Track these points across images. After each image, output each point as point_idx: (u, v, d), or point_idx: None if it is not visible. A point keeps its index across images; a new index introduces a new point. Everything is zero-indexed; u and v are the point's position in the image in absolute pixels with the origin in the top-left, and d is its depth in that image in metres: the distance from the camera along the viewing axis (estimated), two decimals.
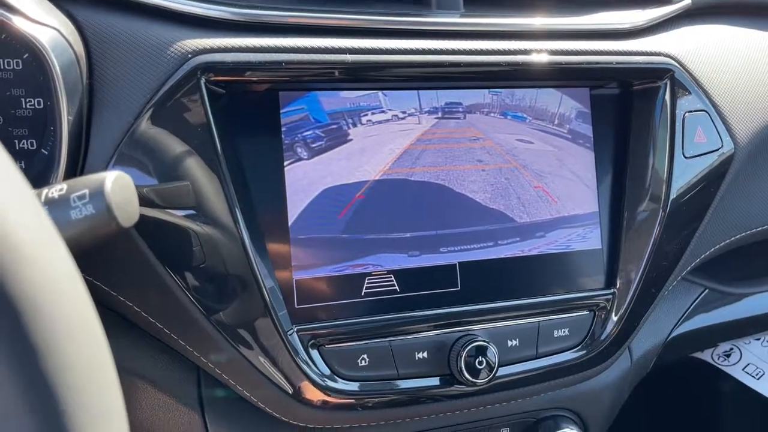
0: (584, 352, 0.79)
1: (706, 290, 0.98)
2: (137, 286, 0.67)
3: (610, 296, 0.80)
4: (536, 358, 0.77)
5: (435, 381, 0.73)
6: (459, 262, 0.75)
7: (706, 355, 1.10)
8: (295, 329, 0.68)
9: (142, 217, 0.62)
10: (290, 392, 0.68)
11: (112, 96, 0.62)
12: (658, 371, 0.99)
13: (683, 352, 1.02)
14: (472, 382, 0.71)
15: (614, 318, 0.79)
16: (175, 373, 0.74)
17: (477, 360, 0.71)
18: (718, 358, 1.09)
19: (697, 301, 0.97)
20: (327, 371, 0.69)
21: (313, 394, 0.68)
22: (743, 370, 1.07)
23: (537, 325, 0.77)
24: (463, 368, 0.71)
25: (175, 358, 0.74)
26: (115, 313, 0.71)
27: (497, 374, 0.73)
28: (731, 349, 1.10)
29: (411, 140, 0.74)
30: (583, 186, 0.80)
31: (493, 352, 0.72)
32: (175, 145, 0.63)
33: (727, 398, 1.14)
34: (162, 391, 0.74)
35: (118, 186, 0.50)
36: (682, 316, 0.96)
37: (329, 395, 0.68)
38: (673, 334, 0.95)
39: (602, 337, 0.79)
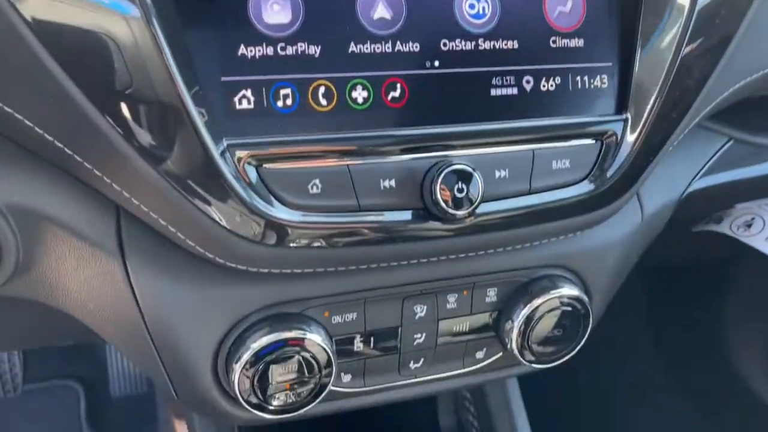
0: (590, 188, 0.64)
1: (731, 140, 0.84)
2: (31, 97, 0.53)
3: (621, 122, 0.65)
4: (530, 193, 0.63)
5: (405, 215, 0.59)
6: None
7: (723, 227, 0.97)
8: (226, 144, 0.53)
9: (37, 18, 0.48)
10: (220, 221, 0.54)
11: None
12: (669, 243, 0.85)
13: (700, 211, 0.88)
14: (451, 214, 0.58)
15: (626, 148, 0.65)
16: (87, 212, 0.60)
17: (456, 188, 0.57)
18: (738, 229, 0.96)
19: (719, 153, 0.83)
20: (265, 193, 0.55)
21: (247, 223, 0.55)
22: (767, 239, 0.94)
23: (531, 153, 0.62)
24: (440, 199, 0.57)
25: (87, 194, 0.60)
26: (7, 140, 0.57)
27: (481, 210, 0.59)
28: (752, 218, 0.96)
29: None
30: None
31: (477, 181, 0.58)
32: None
33: (747, 273, 1.02)
34: (73, 235, 0.60)
35: None
36: (702, 168, 0.82)
37: (268, 224, 0.55)
38: (691, 188, 0.81)
39: (610, 172, 0.65)
